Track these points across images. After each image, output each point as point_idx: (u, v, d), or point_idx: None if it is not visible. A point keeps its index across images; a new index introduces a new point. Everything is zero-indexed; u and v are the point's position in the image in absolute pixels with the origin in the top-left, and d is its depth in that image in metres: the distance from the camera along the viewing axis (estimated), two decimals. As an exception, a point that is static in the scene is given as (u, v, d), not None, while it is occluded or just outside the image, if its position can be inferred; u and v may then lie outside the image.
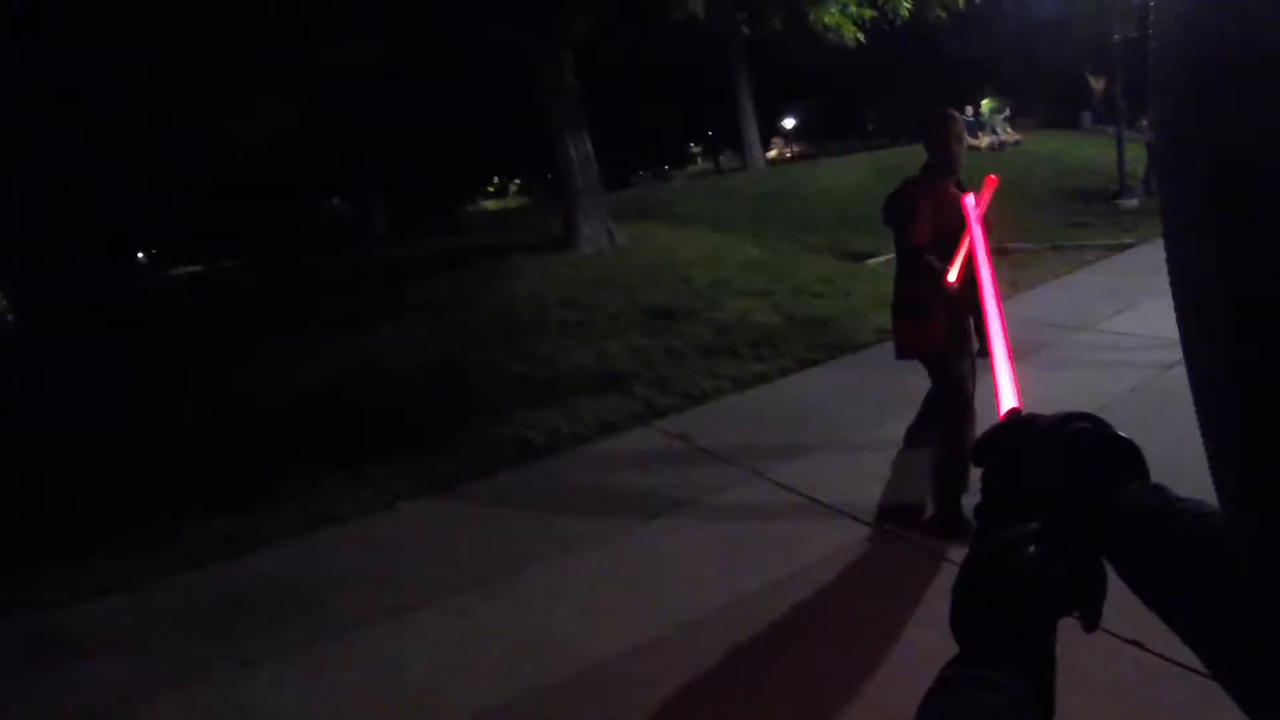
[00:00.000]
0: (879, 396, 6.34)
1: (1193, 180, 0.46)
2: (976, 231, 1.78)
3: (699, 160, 41.90)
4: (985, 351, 3.83)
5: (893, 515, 4.41)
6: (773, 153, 38.24)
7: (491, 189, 32.07)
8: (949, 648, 0.66)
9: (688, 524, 4.63)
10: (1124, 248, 11.02)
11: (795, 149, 38.68)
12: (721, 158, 39.46)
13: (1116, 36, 13.79)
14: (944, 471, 4.10)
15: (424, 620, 3.95)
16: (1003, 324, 1.31)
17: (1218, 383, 0.49)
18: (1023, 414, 0.90)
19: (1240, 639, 0.56)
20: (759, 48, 17.79)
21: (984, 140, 19.12)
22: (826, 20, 10.72)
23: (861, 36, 11.25)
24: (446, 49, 11.97)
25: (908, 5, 10.67)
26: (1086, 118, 24.61)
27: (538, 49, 10.14)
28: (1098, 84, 26.82)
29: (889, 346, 7.51)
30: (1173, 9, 0.46)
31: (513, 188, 33.64)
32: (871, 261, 11.66)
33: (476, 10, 9.91)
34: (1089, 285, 9.30)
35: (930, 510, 4.17)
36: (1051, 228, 12.98)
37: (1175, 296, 0.50)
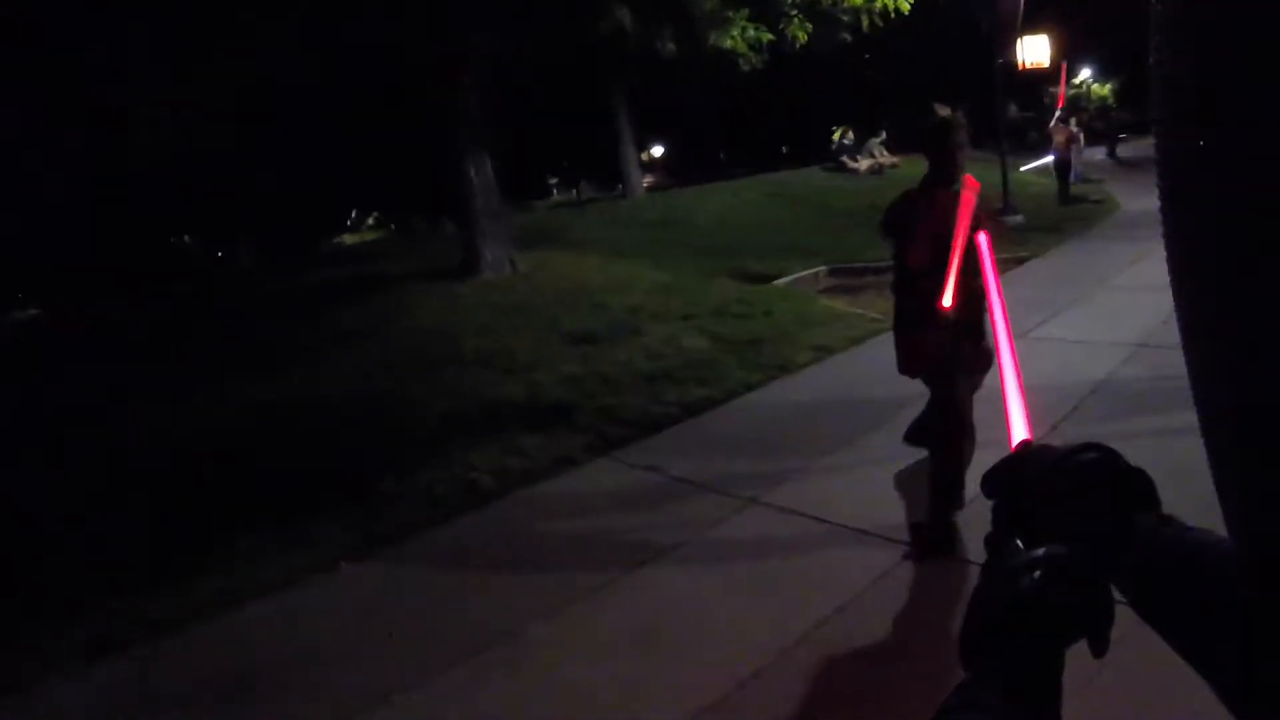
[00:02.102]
0: (841, 414, 6.11)
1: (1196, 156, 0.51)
2: (987, 261, 1.60)
3: (554, 191, 41.50)
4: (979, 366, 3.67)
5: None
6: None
7: (349, 223, 30.72)
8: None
9: (694, 564, 4.13)
10: (1021, 261, 11.24)
11: (651, 179, 38.92)
12: (578, 189, 39.30)
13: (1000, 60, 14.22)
14: (939, 488, 3.95)
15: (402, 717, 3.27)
16: (1014, 353, 1.13)
17: (1216, 358, 0.55)
18: (1033, 445, 0.90)
19: (1250, 670, 0.57)
20: (641, 75, 17.68)
21: (863, 163, 19.52)
22: (725, 45, 10.56)
23: (755, 61, 11.19)
24: (336, 73, 11.18)
25: (805, 31, 10.63)
26: (949, 143, 25.60)
27: (449, 65, 9.53)
28: (943, 113, 28.18)
29: (830, 364, 7.54)
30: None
31: (369, 222, 32.33)
32: (779, 282, 11.51)
33: (382, 27, 9.24)
34: (1005, 298, 9.34)
35: (924, 525, 4.02)
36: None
37: (1174, 271, 0.55)
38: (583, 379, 7.38)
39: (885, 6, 10.24)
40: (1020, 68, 16.48)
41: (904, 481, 4.56)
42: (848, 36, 10.92)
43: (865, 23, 10.54)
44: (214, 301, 12.25)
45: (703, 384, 7.07)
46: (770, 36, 10.83)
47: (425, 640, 3.74)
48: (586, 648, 3.51)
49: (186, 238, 24.81)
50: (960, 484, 3.92)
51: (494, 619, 3.82)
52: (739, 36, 10.57)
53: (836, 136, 26.86)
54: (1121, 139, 24.96)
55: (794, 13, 10.22)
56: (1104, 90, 30.64)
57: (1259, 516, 0.55)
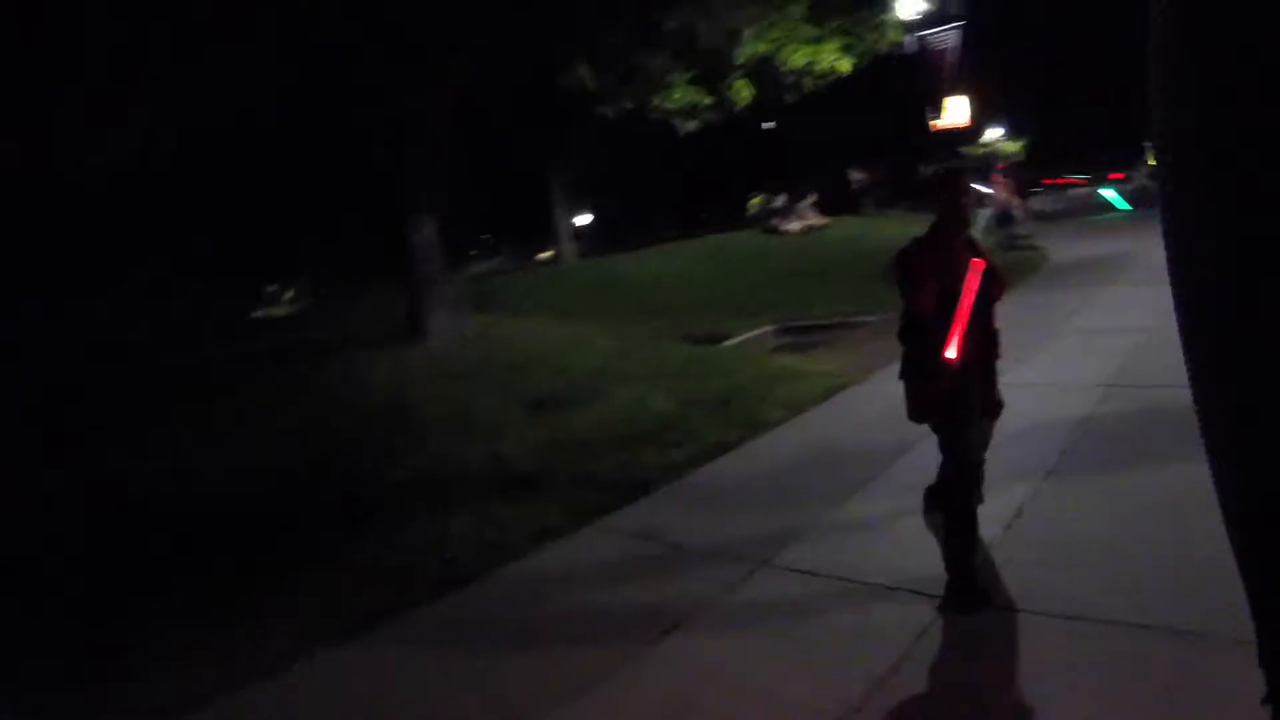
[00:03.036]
0: (827, 469, 6.00)
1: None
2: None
3: (473, 261, 41.16)
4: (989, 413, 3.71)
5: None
6: (548, 253, 38.41)
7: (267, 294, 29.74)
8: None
9: (718, 632, 3.88)
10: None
11: (576, 247, 38.95)
12: (499, 257, 39.07)
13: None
14: (953, 540, 3.86)
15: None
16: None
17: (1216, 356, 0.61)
18: None
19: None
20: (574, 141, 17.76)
21: (794, 225, 19.83)
22: (668, 106, 10.61)
23: (692, 126, 11.28)
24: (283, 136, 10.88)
25: (748, 95, 10.75)
26: (869, 202, 26.34)
27: (406, 115, 9.29)
28: (858, 177, 29.16)
29: (802, 421, 7.43)
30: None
31: (287, 296, 31.39)
32: (729, 342, 11.47)
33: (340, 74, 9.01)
34: (960, 348, 9.44)
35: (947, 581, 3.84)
36: (886, 299, 13.26)
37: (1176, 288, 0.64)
38: (552, 444, 7.12)
39: (825, 67, 10.44)
40: (935, 129, 17.00)
41: (922, 531, 4.42)
42: (792, 98, 11.07)
43: (807, 83, 10.71)
44: (139, 363, 11.56)
45: (678, 445, 6.87)
46: (709, 100, 10.90)
47: None
48: (647, 709, 3.23)
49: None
50: (975, 534, 3.87)
51: (510, 705, 3.49)
52: (679, 99, 10.62)
53: (755, 203, 27.46)
54: (1034, 193, 25.89)
55: (738, 74, 10.33)
56: (1014, 148, 32.07)
57: (1258, 505, 0.58)
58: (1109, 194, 27.25)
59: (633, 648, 3.81)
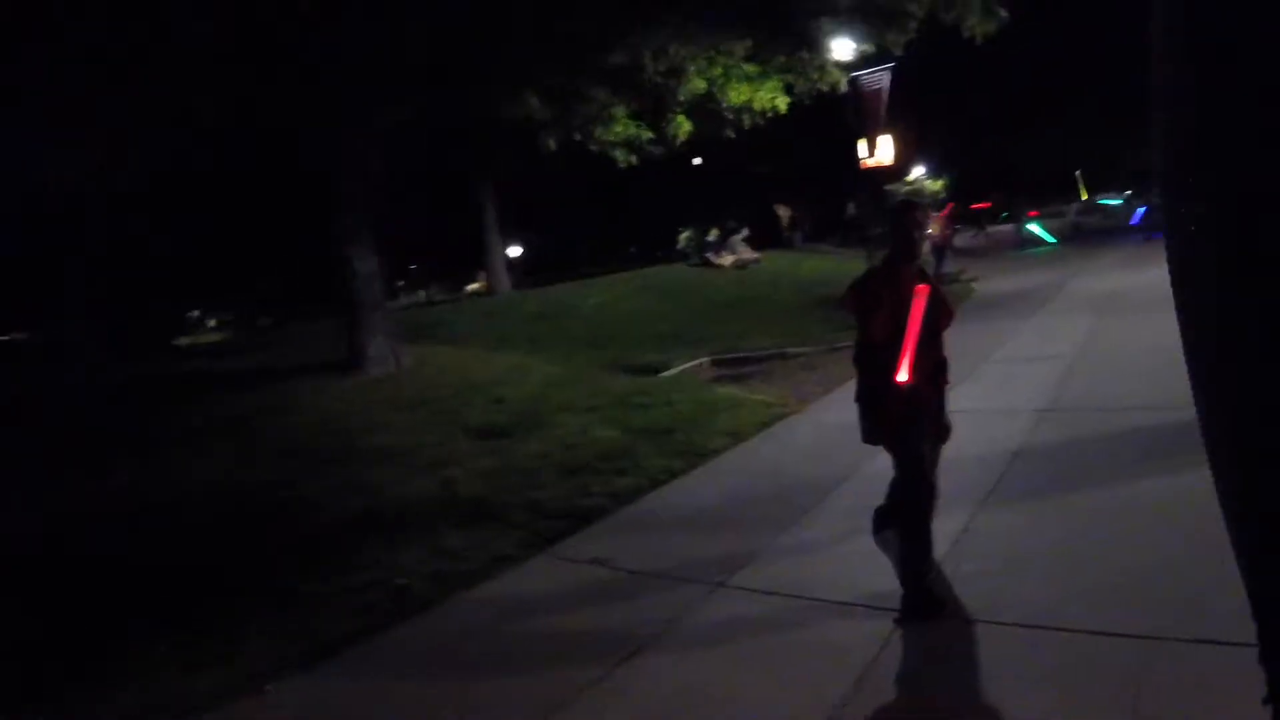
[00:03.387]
0: (776, 494, 6.11)
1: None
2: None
3: (400, 294, 40.77)
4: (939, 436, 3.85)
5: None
6: (476, 284, 38.27)
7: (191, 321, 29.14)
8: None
9: (683, 653, 3.91)
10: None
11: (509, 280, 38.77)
12: (428, 290, 38.86)
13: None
14: (908, 556, 3.95)
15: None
16: None
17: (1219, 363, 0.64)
18: None
19: None
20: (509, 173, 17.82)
21: (727, 259, 20.11)
22: (610, 138, 10.76)
23: (634, 160, 11.45)
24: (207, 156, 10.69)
25: (687, 129, 10.96)
26: (798, 238, 26.84)
27: (343, 146, 9.24)
28: (785, 213, 29.77)
29: (746, 449, 7.54)
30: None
31: (210, 324, 30.83)
32: (666, 374, 11.56)
33: (274, 106, 8.91)
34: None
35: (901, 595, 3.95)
36: (819, 332, 13.65)
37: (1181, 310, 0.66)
38: (498, 473, 7.11)
39: (764, 107, 10.70)
40: (864, 167, 17.50)
41: (872, 551, 4.51)
42: (731, 133, 11.31)
43: (746, 121, 10.96)
44: (57, 388, 11.15)
45: (625, 473, 6.92)
46: (650, 134, 11.08)
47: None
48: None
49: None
50: (929, 549, 3.99)
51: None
52: (620, 132, 10.77)
53: (686, 238, 27.79)
54: (956, 229, 26.82)
55: (679, 110, 10.53)
56: (936, 186, 33.15)
57: (1264, 509, 0.61)
58: (1035, 229, 28.45)
59: (598, 671, 3.82)
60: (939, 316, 4.14)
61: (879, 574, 4.16)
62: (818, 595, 4.25)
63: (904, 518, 4.03)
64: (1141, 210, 29.07)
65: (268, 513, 6.33)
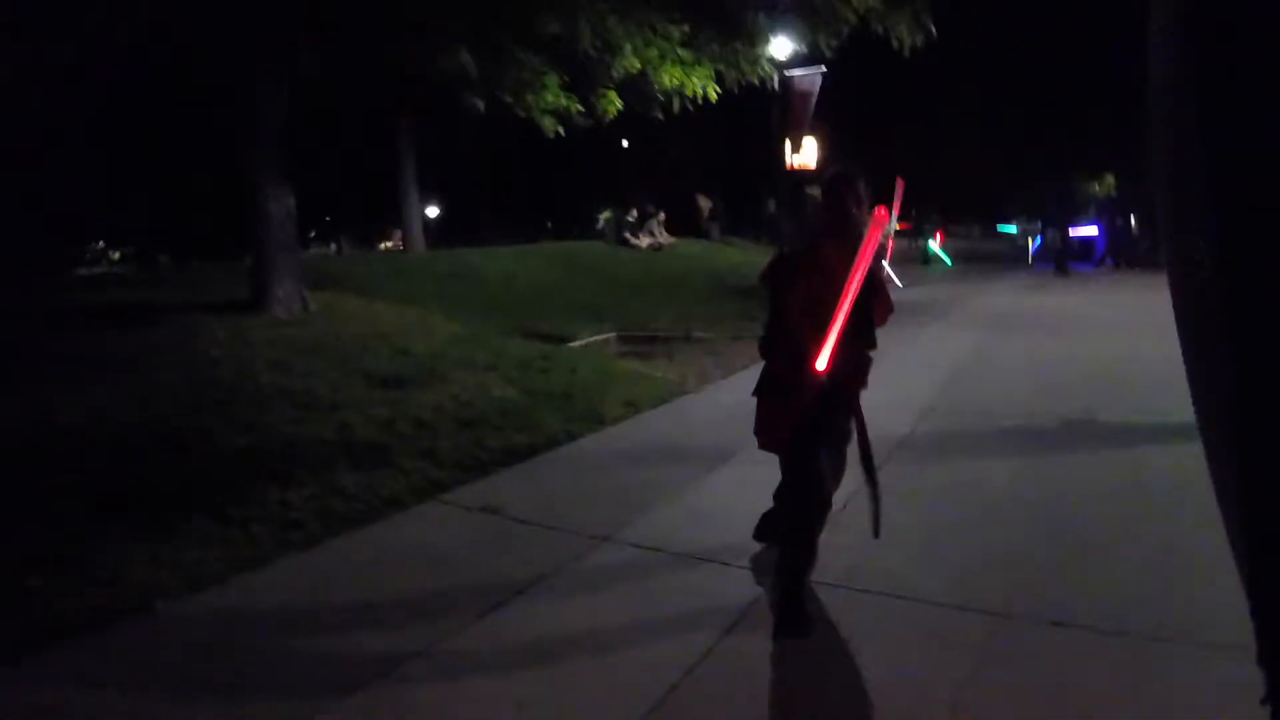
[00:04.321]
0: (669, 460, 6.33)
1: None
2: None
3: (309, 245, 39.96)
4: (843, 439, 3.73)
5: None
6: (389, 242, 37.76)
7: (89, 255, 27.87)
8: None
9: (564, 599, 4.04)
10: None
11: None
12: (339, 243, 38.06)
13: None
14: (788, 569, 3.69)
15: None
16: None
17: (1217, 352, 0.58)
18: None
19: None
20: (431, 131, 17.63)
21: (643, 241, 20.30)
22: (540, 106, 10.76)
23: (561, 130, 11.46)
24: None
25: (617, 105, 11.05)
26: (715, 229, 27.19)
27: (258, 83, 9.02)
28: (705, 204, 30.13)
29: (642, 419, 7.74)
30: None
31: (114, 256, 29.56)
32: (574, 344, 11.69)
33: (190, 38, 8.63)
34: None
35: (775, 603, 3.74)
36: (724, 319, 13.98)
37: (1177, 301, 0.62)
38: (394, 421, 7.11)
39: (694, 92, 10.87)
40: (789, 168, 17.87)
41: (753, 518, 4.70)
42: (660, 115, 11.44)
43: (676, 104, 11.11)
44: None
45: (522, 431, 7.02)
46: (579, 107, 11.12)
47: (290, 679, 3.43)
48: (484, 668, 3.38)
49: None
50: (811, 564, 3.80)
51: (359, 657, 3.55)
52: (551, 101, 10.79)
53: (607, 217, 27.90)
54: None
55: (611, 85, 10.61)
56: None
57: (1261, 499, 0.58)
58: (936, 247, 29.55)
59: (477, 610, 3.93)
60: (875, 306, 3.74)
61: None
62: (699, 553, 4.46)
63: (790, 528, 3.79)
64: (1038, 240, 30.63)
65: (156, 447, 6.18)
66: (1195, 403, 0.64)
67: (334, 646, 3.66)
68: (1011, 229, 34.39)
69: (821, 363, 3.41)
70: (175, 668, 3.52)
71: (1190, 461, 1.73)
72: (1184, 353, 0.64)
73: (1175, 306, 0.64)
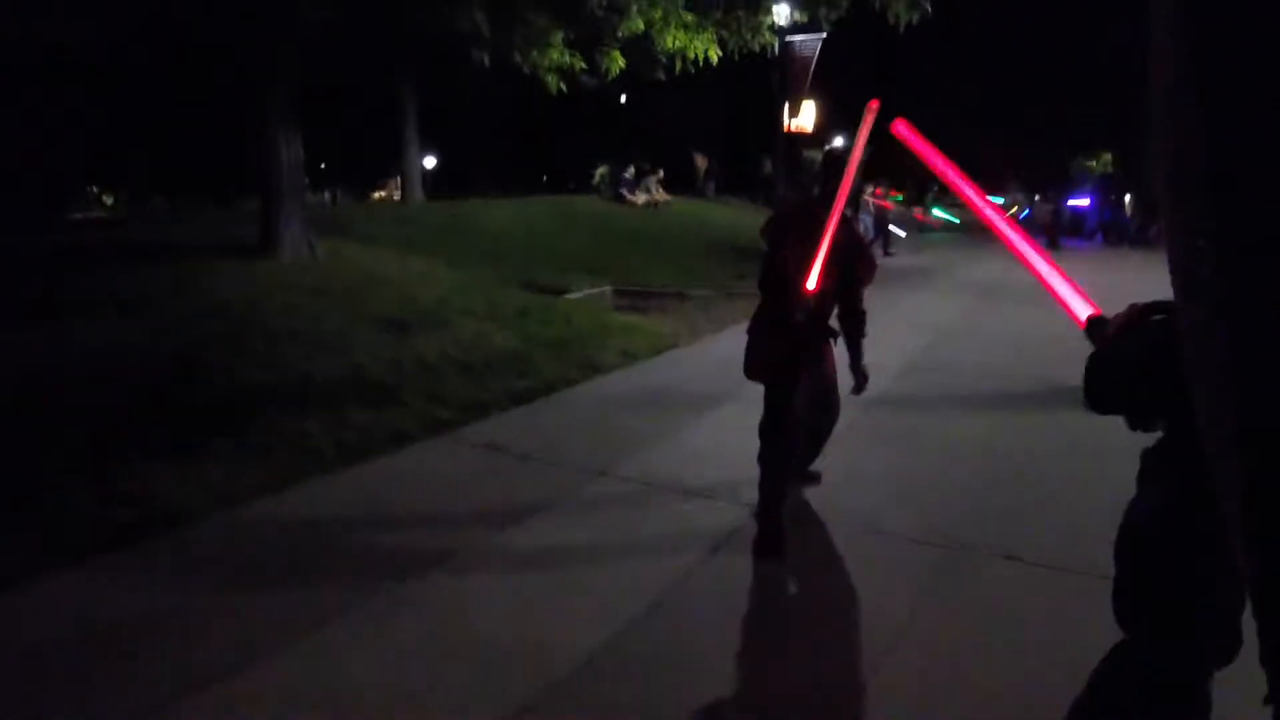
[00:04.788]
0: (664, 405, 6.72)
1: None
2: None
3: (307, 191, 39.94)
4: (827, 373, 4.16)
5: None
6: (382, 192, 37.86)
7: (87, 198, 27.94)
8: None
9: (569, 521, 4.48)
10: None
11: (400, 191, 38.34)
12: (334, 193, 38.12)
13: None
14: (766, 489, 4.12)
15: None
16: (1037, 250, 1.84)
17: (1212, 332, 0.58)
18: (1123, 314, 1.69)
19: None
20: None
21: (640, 198, 20.54)
22: (544, 63, 10.99)
23: (564, 86, 11.70)
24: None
25: (620, 64, 11.28)
26: (710, 188, 27.38)
27: (269, 30, 9.23)
28: (702, 162, 30.23)
29: (637, 368, 8.13)
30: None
31: (107, 199, 29.63)
32: (570, 295, 12.01)
33: None
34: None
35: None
36: (718, 277, 14.32)
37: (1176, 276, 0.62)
38: (400, 363, 7.46)
39: (696, 55, 11.12)
40: (786, 129, 18.08)
41: (737, 457, 5.11)
42: (662, 75, 11.69)
43: (678, 65, 11.36)
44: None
45: (523, 376, 7.40)
46: (583, 65, 11.36)
47: (334, 572, 3.83)
48: (497, 574, 3.79)
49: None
50: (785, 487, 4.19)
51: (387, 560, 3.96)
52: (556, 58, 11.02)
53: (602, 173, 28.04)
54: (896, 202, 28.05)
55: (614, 45, 10.83)
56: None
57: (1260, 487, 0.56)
58: (941, 212, 30.28)
59: (488, 531, 4.35)
60: (859, 267, 4.28)
61: (740, 473, 4.80)
62: (687, 486, 4.89)
63: (765, 459, 4.15)
64: (1027, 212, 31.14)
65: (175, 380, 6.50)
66: (1196, 401, 0.62)
67: (363, 552, 4.09)
68: (999, 200, 34.94)
69: (811, 283, 3.86)
70: (223, 566, 3.94)
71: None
72: (1184, 352, 0.61)
73: (1176, 303, 0.62)
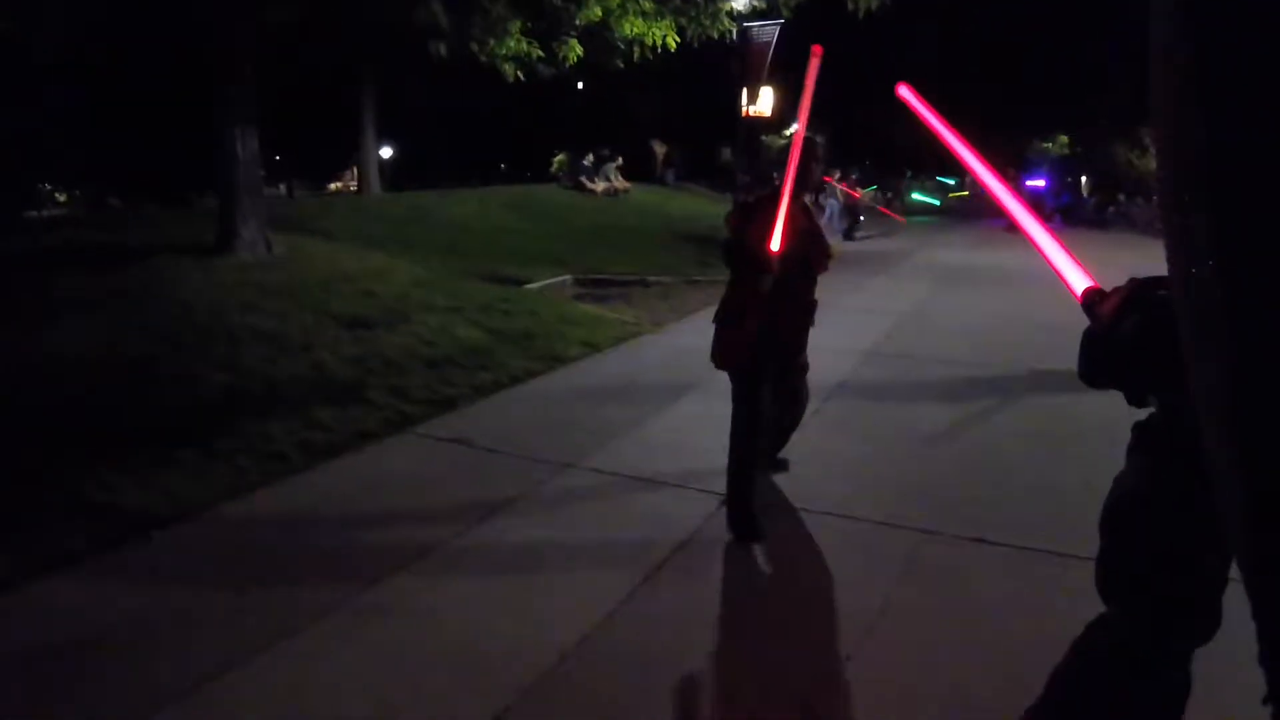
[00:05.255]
0: (629, 397, 6.73)
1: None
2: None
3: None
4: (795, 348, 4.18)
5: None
6: (337, 184, 37.47)
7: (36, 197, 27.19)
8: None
9: (536, 514, 4.46)
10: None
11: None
12: (289, 185, 37.65)
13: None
14: (737, 480, 4.19)
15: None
16: (1038, 220, 1.85)
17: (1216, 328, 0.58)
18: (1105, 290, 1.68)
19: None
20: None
21: (599, 185, 20.48)
22: (502, 52, 10.89)
23: (522, 75, 11.61)
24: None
25: (578, 52, 11.21)
26: (670, 175, 27.36)
27: (229, 31, 9.07)
28: (661, 149, 30.24)
29: (600, 359, 8.15)
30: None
31: (60, 198, 28.94)
32: (531, 286, 11.96)
33: None
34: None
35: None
36: (679, 265, 14.34)
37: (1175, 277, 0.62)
38: (364, 360, 7.39)
39: (654, 42, 11.08)
40: (745, 115, 18.09)
41: (705, 447, 5.16)
42: (621, 63, 11.64)
43: (636, 53, 11.31)
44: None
45: (486, 370, 7.36)
46: (540, 53, 11.27)
47: (302, 576, 3.79)
48: (470, 572, 3.77)
49: None
50: (754, 477, 4.24)
51: (355, 569, 3.92)
52: (513, 47, 10.92)
53: (560, 161, 27.97)
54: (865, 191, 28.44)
55: (573, 33, 10.77)
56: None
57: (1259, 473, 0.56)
58: (922, 196, 31.29)
59: (457, 528, 4.32)
60: (813, 253, 4.20)
61: (709, 462, 4.84)
62: (656, 477, 4.90)
63: (735, 449, 4.22)
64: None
65: (136, 385, 6.38)
66: (1196, 400, 0.61)
67: (333, 555, 4.04)
68: (950, 180, 35.57)
69: (775, 243, 3.86)
70: (190, 574, 3.88)
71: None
72: (1185, 349, 0.61)
73: (1176, 303, 0.62)
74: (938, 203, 32.10)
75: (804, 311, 4.36)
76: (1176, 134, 0.57)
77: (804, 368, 4.60)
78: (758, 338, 4.07)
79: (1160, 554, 1.89)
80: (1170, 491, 1.83)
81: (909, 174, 35.81)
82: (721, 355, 4.22)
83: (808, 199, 4.38)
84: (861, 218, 20.69)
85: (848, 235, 19.81)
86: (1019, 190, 23.96)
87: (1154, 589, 1.92)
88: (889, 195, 30.74)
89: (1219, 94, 0.52)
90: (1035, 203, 31.33)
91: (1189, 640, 1.95)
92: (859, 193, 21.56)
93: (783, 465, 4.94)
